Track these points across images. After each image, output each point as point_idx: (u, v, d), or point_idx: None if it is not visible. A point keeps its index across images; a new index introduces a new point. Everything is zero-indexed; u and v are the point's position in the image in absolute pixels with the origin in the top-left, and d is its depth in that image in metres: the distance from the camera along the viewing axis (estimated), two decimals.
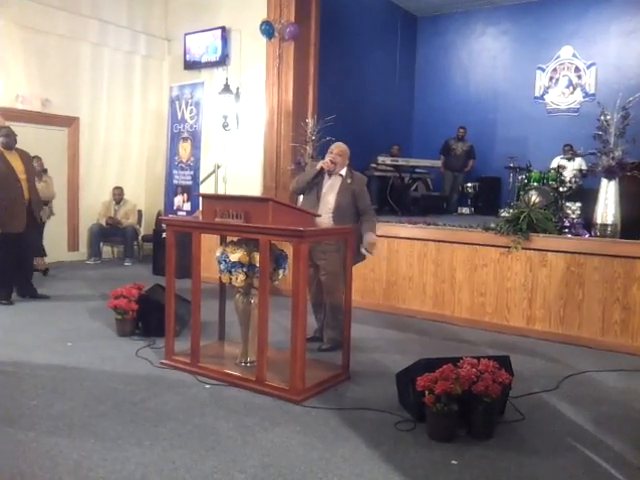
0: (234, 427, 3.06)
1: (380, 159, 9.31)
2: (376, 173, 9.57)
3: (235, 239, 3.89)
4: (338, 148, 4.61)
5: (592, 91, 10.38)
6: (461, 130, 10.54)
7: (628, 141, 5.18)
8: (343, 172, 4.56)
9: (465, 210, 9.96)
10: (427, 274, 5.87)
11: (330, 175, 4.57)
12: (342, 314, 4.12)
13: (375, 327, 5.44)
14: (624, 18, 10.01)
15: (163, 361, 4.06)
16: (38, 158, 7.30)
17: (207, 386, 3.67)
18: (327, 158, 4.58)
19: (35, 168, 6.06)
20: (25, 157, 5.88)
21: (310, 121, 7.20)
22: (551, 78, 10.86)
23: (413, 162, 9.91)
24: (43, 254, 7.41)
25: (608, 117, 5.19)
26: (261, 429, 3.05)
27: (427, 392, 2.98)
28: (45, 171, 7.46)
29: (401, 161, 9.59)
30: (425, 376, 3.05)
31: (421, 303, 5.91)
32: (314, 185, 4.60)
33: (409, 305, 5.97)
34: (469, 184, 10.20)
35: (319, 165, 4.60)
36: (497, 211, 7.44)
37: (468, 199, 10.24)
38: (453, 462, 2.76)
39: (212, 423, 3.11)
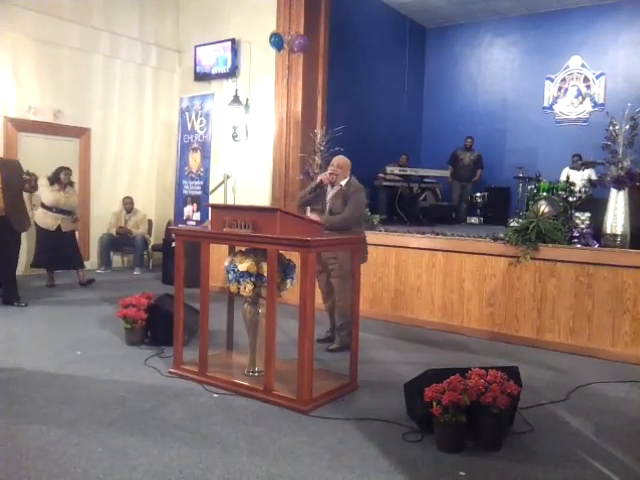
0: (242, 437, 3.07)
1: (388, 169, 9.33)
2: (385, 183, 9.60)
3: (243, 249, 3.92)
4: (338, 161, 4.82)
5: (601, 101, 10.37)
6: (469, 140, 10.56)
7: (637, 151, 5.17)
8: (344, 182, 4.77)
9: (474, 220, 9.96)
10: (435, 284, 5.86)
11: (332, 186, 4.79)
12: (350, 317, 4.18)
13: (383, 337, 5.44)
14: (633, 28, 10.02)
15: (171, 370, 4.08)
16: (67, 170, 7.38)
17: (215, 395, 3.68)
18: (328, 171, 4.82)
19: (20, 179, 6.12)
20: (4, 168, 6.00)
21: (319, 132, 7.25)
22: (560, 88, 10.86)
23: (422, 172, 9.92)
24: (81, 265, 7.52)
25: (617, 127, 5.18)
26: (268, 439, 3.05)
27: (435, 403, 2.97)
28: (71, 184, 7.51)
29: (410, 171, 9.61)
30: (433, 387, 3.04)
31: (429, 313, 5.89)
32: (319, 197, 4.81)
33: (417, 315, 5.96)
34: (478, 194, 10.20)
35: (319, 178, 4.83)
36: (506, 221, 7.43)
37: (477, 209, 10.23)
38: (461, 473, 2.74)
39: (220, 432, 3.11)
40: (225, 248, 4.49)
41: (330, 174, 4.74)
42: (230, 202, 7.63)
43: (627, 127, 5.15)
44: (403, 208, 9.20)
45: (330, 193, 4.80)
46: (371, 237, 5.63)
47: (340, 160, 4.83)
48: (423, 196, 9.75)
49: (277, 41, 7.60)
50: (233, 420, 3.29)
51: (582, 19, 10.46)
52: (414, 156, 11.06)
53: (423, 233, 6.20)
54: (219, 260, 4.25)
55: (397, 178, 9.49)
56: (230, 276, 3.79)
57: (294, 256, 3.89)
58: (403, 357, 4.78)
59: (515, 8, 10.86)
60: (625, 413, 3.66)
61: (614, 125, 5.19)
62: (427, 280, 5.92)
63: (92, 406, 3.43)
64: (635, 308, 4.80)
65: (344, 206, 4.68)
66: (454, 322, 5.73)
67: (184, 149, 8.43)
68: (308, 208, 5.20)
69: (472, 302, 5.64)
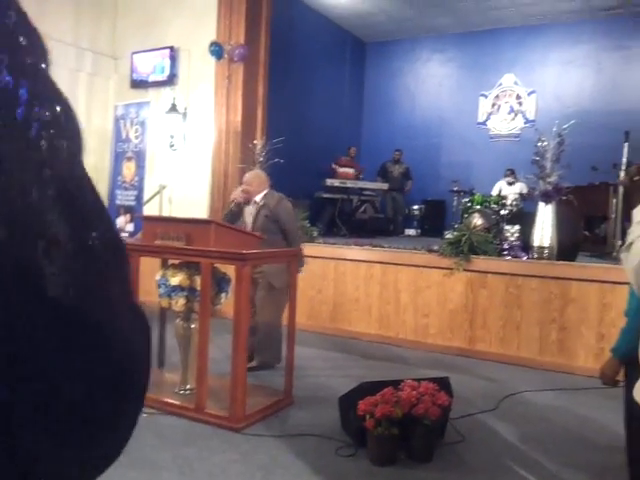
0: (171, 458, 2.97)
1: (329, 181, 9.38)
2: (325, 195, 9.64)
3: (176, 262, 3.82)
4: (247, 177, 4.67)
5: (532, 117, 10.79)
6: (397, 153, 10.69)
7: (564, 166, 5.40)
8: (258, 198, 4.56)
9: (412, 232, 10.13)
10: (373, 296, 5.91)
11: (248, 203, 4.60)
12: (276, 333, 4.13)
13: (320, 350, 5.42)
14: (562, 48, 10.48)
15: None
16: None
17: (144, 415, 3.55)
18: (239, 189, 4.65)
19: None
20: None
21: (258, 142, 7.19)
22: (493, 104, 11.24)
23: (361, 184, 10.03)
24: None
25: (545, 143, 5.39)
26: (199, 459, 2.96)
27: (368, 416, 2.97)
28: None
29: (349, 183, 9.69)
30: (366, 400, 3.04)
31: (367, 325, 5.92)
32: (239, 215, 4.63)
33: (355, 327, 5.98)
34: (415, 206, 10.39)
35: (232, 197, 4.65)
36: (442, 233, 7.60)
37: (414, 221, 10.42)
38: None
39: (149, 454, 3.00)
40: (157, 261, 4.36)
41: (242, 191, 4.55)
42: (166, 213, 7.46)
43: (554, 143, 5.37)
44: (343, 220, 9.26)
45: (248, 211, 4.57)
46: (310, 249, 5.62)
47: (250, 175, 4.67)
48: (362, 208, 9.85)
49: (217, 50, 7.51)
50: (162, 440, 3.18)
51: (513, 38, 10.87)
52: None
53: (361, 245, 6.24)
54: (151, 273, 4.12)
55: (336, 189, 9.55)
56: (161, 290, 3.68)
57: (229, 269, 3.82)
58: (339, 370, 4.77)
59: (451, 26, 11.19)
60: (552, 420, 3.77)
61: (543, 141, 5.41)
62: (365, 292, 5.95)
63: None
64: (562, 318, 4.99)
65: (275, 223, 4.46)
66: (390, 334, 5.78)
67: (118, 158, 8.20)
68: None
69: (407, 313, 5.71)
